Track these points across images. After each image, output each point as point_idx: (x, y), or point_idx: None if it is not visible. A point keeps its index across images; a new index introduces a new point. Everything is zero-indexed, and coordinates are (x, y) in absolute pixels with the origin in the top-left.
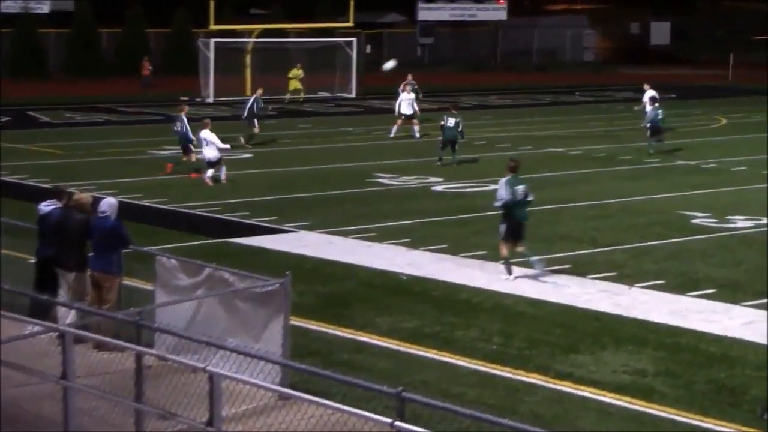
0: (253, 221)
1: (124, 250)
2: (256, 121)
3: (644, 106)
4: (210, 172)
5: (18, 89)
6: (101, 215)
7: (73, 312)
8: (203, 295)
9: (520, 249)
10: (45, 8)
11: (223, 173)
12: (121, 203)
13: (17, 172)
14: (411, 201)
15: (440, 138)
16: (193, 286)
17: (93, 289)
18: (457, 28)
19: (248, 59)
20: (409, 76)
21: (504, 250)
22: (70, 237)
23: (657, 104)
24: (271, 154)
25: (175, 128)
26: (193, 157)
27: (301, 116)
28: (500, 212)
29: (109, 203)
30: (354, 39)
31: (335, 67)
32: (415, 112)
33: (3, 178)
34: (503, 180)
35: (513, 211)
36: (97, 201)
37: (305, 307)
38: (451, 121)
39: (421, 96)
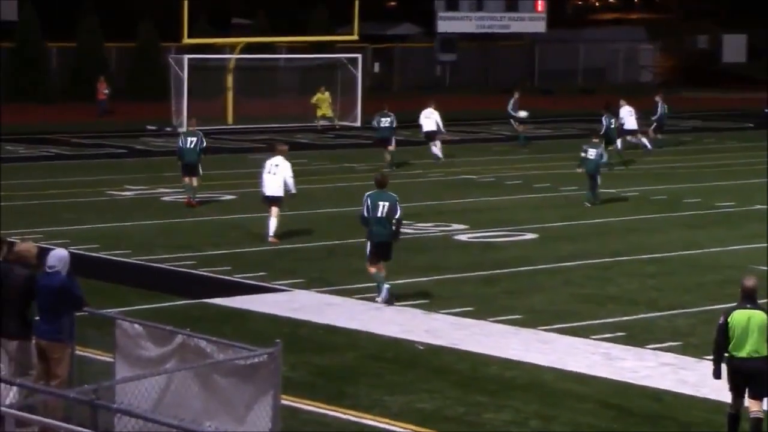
0: (236, 278)
1: (77, 313)
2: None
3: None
4: (272, 218)
5: None
6: (49, 270)
7: (14, 389)
8: (174, 369)
9: (380, 270)
10: None
11: (273, 225)
12: (73, 255)
13: None
14: (428, 253)
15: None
16: (161, 358)
17: (39, 361)
18: (484, 42)
19: (230, 79)
20: (386, 107)
21: (371, 270)
22: (11, 297)
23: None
24: (257, 195)
25: (184, 144)
26: (195, 181)
27: (293, 149)
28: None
29: (58, 256)
30: (359, 55)
31: (336, 89)
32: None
33: None
34: (366, 194)
35: (373, 230)
36: (43, 253)
37: (299, 384)
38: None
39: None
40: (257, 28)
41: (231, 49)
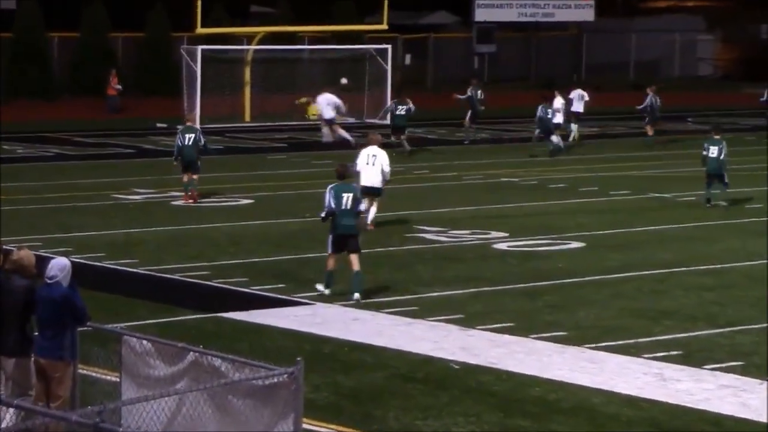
0: (253, 289)
1: (80, 328)
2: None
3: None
4: (371, 208)
5: None
6: (50, 281)
7: (11, 411)
8: (186, 389)
9: (355, 268)
10: None
11: (372, 213)
12: (75, 265)
13: None
14: (464, 263)
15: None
16: (172, 377)
17: (38, 380)
18: (526, 32)
19: (248, 73)
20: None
21: (330, 263)
22: (8, 310)
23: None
24: (277, 199)
25: (183, 142)
26: (195, 177)
27: (316, 149)
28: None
29: (59, 265)
30: (389, 46)
31: (364, 83)
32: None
33: None
34: (329, 187)
35: (338, 222)
36: (43, 262)
37: (322, 406)
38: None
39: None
40: (278, 17)
41: (249, 39)
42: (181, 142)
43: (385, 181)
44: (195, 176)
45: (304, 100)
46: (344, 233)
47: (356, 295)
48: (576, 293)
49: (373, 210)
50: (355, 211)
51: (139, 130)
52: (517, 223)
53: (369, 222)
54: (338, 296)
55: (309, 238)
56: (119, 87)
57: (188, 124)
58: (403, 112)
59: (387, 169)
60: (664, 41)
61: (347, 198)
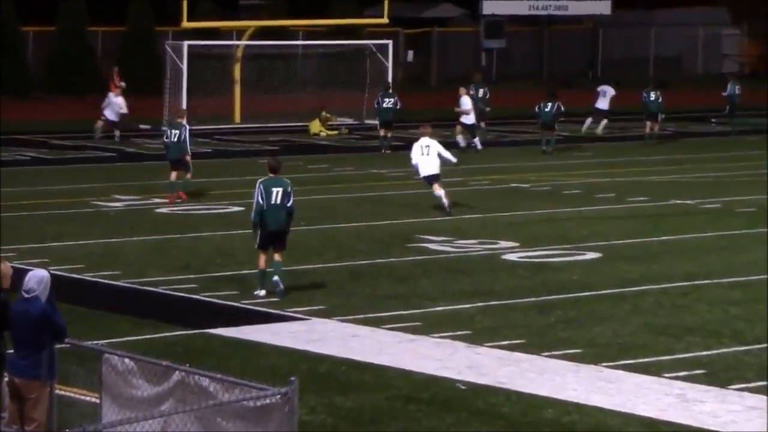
0: (244, 304)
1: (58, 346)
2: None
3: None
4: (439, 191)
5: None
6: (27, 295)
7: None
8: (171, 411)
9: (277, 258)
10: None
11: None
12: (53, 277)
13: None
14: (472, 275)
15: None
16: (156, 398)
17: (12, 401)
18: (538, 26)
19: (237, 70)
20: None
21: (261, 262)
22: None
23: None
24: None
25: (169, 138)
26: (185, 175)
27: (312, 152)
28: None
29: (37, 278)
30: (389, 41)
31: (363, 81)
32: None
33: None
34: (258, 182)
35: (266, 218)
36: (19, 274)
37: (318, 429)
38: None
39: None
40: (270, 10)
41: (239, 34)
42: (166, 137)
43: (448, 162)
44: (188, 175)
45: (326, 114)
46: (274, 230)
47: (275, 278)
48: (591, 308)
49: (443, 192)
50: (285, 207)
51: (120, 131)
52: (528, 231)
53: (447, 206)
54: (338, 310)
55: (304, 249)
56: (123, 85)
57: (178, 120)
58: (390, 105)
59: (445, 153)
60: (685, 36)
61: (277, 193)
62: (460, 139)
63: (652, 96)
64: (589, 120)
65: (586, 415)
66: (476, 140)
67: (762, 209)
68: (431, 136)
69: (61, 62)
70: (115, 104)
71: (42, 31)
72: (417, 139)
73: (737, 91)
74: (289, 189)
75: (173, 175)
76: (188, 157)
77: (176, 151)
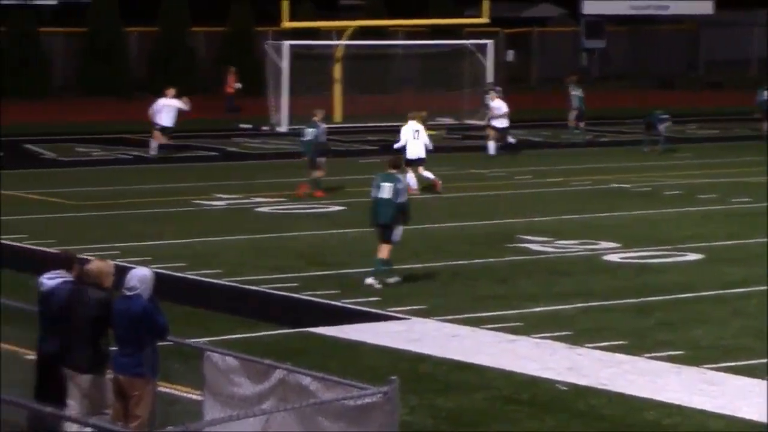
0: (344, 303)
1: (161, 344)
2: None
3: None
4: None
5: (10, 111)
6: (128, 293)
7: (87, 431)
8: (273, 409)
9: (382, 254)
10: None
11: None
12: (156, 276)
13: (11, 231)
14: (572, 276)
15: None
16: (258, 396)
17: (116, 398)
18: (639, 27)
19: (337, 70)
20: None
21: (378, 252)
22: (83, 324)
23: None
24: (367, 206)
25: (305, 137)
26: (315, 174)
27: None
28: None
29: (139, 276)
30: (489, 41)
31: (462, 81)
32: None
33: None
34: (376, 175)
35: (377, 211)
36: (122, 272)
37: (419, 429)
38: None
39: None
40: (370, 10)
41: (339, 34)
42: (303, 137)
43: (427, 147)
44: (321, 173)
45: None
46: (382, 223)
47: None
48: (693, 309)
49: (429, 173)
50: (395, 203)
51: (221, 131)
52: (629, 232)
53: (435, 182)
54: (438, 310)
55: (404, 249)
56: (238, 86)
57: (314, 119)
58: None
59: (427, 140)
60: None
61: (387, 188)
62: (492, 146)
63: (765, 95)
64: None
65: (688, 418)
66: (510, 138)
67: None
68: (419, 120)
69: (163, 63)
70: (169, 107)
71: (144, 32)
72: (407, 123)
73: None
74: (399, 186)
75: (310, 172)
76: (320, 157)
77: (311, 150)
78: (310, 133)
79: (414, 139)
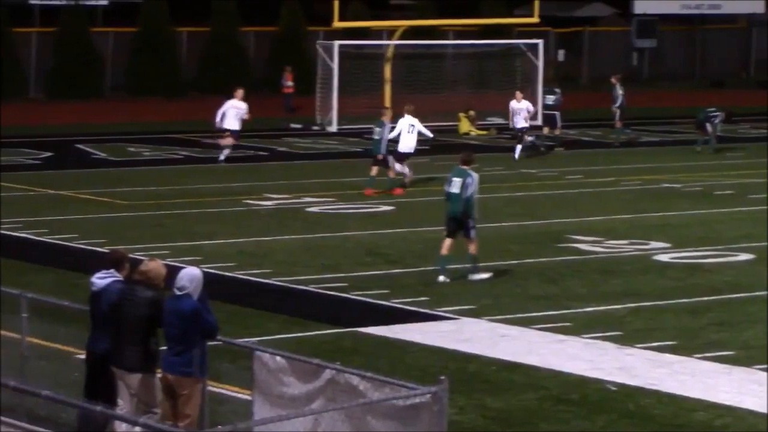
0: (394, 303)
1: (210, 343)
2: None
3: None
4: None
5: (61, 111)
6: (179, 293)
7: (137, 430)
8: (322, 409)
9: (469, 249)
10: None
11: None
12: (205, 275)
13: (60, 230)
14: (622, 276)
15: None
16: (307, 396)
17: (165, 397)
18: (690, 26)
19: (388, 70)
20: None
21: (443, 248)
22: (133, 323)
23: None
24: (418, 206)
25: (373, 136)
26: (374, 171)
27: (459, 151)
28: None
29: (190, 276)
30: (540, 41)
31: (513, 81)
32: None
33: (44, 239)
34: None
35: (448, 205)
36: (172, 272)
37: (468, 429)
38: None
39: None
40: (420, 10)
41: (389, 34)
42: (373, 136)
43: (426, 137)
44: (390, 172)
45: (473, 113)
46: (450, 216)
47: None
48: (744, 310)
49: (408, 170)
50: (463, 197)
51: (271, 131)
52: (680, 232)
53: (407, 181)
54: (487, 310)
55: (455, 248)
56: (290, 84)
57: (381, 118)
58: (551, 102)
59: (424, 129)
60: None
61: (457, 183)
62: (517, 150)
63: None
64: None
65: (739, 419)
66: (531, 139)
67: None
68: (414, 114)
69: (213, 63)
70: (236, 110)
71: (195, 32)
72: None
73: None
74: (468, 180)
75: (373, 170)
76: (380, 156)
77: (375, 149)
78: (377, 132)
79: (408, 132)
